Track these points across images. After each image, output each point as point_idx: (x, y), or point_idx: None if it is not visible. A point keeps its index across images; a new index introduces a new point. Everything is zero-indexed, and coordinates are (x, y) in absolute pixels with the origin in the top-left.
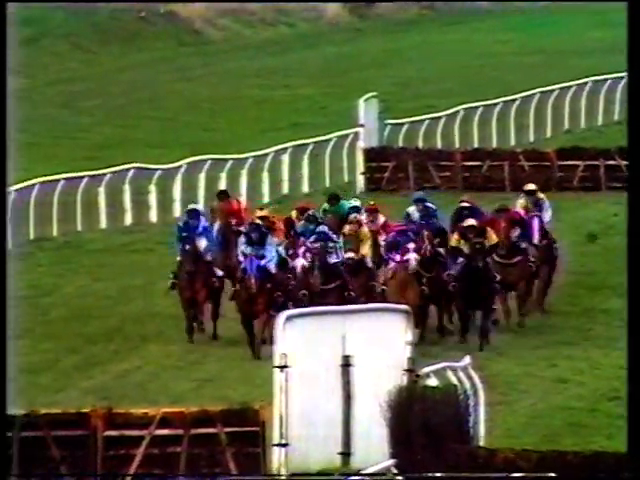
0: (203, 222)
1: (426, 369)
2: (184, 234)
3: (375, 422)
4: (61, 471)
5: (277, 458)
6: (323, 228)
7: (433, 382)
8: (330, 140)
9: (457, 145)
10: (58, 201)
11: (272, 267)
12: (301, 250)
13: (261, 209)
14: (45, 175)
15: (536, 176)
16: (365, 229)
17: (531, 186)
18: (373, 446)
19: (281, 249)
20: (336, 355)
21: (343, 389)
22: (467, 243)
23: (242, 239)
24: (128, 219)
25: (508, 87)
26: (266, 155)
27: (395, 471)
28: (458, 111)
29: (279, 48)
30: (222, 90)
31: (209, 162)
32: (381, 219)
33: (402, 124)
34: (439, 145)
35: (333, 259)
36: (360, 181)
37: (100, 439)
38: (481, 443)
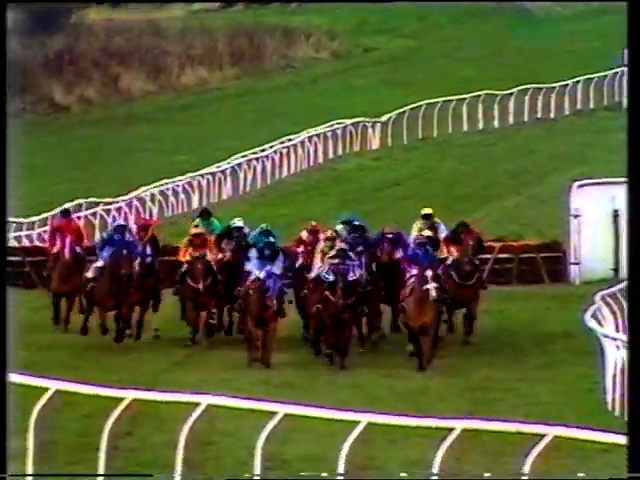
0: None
1: None
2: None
3: None
4: None
5: (573, 272)
6: (343, 245)
7: None
8: None
9: None
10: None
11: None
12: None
13: (196, 226)
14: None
15: None
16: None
17: (427, 210)
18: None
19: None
20: (609, 208)
21: (613, 229)
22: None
23: (253, 253)
24: (480, 125)
25: None
26: None
27: None
28: None
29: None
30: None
31: (531, 90)
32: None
33: None
34: None
35: (351, 277)
36: None
37: None
38: None
